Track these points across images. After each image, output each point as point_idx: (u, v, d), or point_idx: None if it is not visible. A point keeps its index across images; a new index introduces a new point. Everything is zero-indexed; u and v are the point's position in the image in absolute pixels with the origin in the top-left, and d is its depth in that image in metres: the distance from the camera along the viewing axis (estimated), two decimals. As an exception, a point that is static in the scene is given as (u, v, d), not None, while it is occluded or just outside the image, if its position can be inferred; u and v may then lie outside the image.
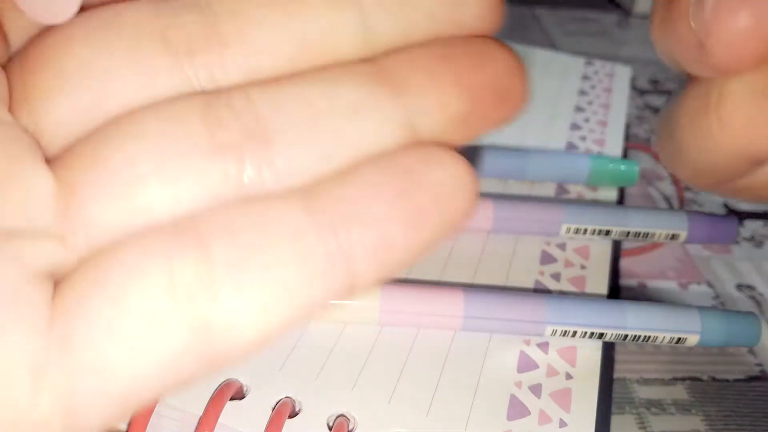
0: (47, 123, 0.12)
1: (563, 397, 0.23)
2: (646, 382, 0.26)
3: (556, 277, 0.28)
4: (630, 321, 0.24)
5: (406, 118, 0.13)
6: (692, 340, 0.24)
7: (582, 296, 0.27)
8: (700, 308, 0.25)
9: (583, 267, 0.29)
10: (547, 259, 0.29)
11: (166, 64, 0.13)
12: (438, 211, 0.13)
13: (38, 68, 0.12)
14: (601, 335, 0.24)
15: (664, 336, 0.24)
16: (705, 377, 0.26)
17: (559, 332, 0.24)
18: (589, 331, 0.24)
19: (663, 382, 0.26)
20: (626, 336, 0.24)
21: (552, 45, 0.48)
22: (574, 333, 0.24)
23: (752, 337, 0.24)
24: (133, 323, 0.11)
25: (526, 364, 0.24)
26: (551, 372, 0.24)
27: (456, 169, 0.13)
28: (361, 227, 0.12)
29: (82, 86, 0.12)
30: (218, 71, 0.13)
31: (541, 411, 0.23)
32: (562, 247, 0.30)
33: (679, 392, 0.25)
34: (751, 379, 0.26)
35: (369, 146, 0.13)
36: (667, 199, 0.36)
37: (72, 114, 0.12)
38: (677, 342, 0.24)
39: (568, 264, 0.29)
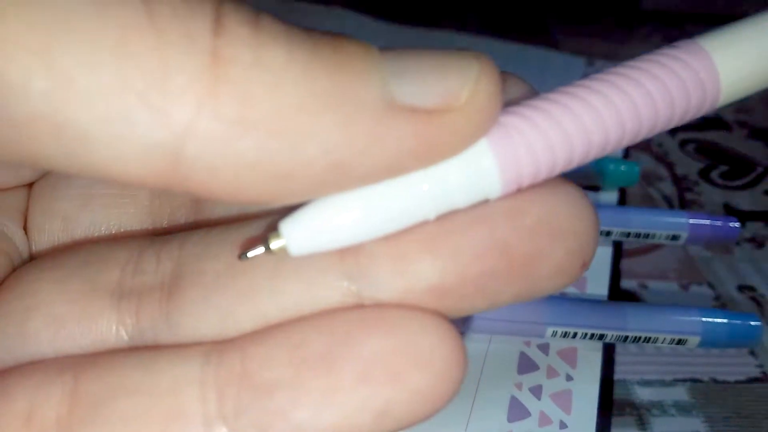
0: None
1: (564, 399, 0.23)
2: (647, 383, 0.26)
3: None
4: (630, 322, 0.24)
5: (357, 282, 0.11)
6: (693, 341, 0.24)
7: (582, 297, 0.27)
8: (701, 309, 0.25)
9: (583, 268, 0.29)
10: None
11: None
12: (376, 389, 0.10)
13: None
14: (601, 336, 0.24)
15: (664, 337, 0.24)
16: (706, 378, 0.26)
17: (559, 333, 0.24)
18: (589, 332, 0.24)
19: (664, 384, 0.26)
20: (627, 337, 0.24)
21: (553, 45, 0.48)
22: (575, 334, 0.24)
23: (753, 338, 0.24)
24: None
25: (526, 366, 0.24)
26: (552, 373, 0.24)
27: (418, 339, 0.10)
28: (254, 391, 0.11)
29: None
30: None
31: (541, 412, 0.23)
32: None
33: (680, 394, 0.25)
34: (752, 380, 0.26)
35: (301, 310, 0.11)
36: (667, 200, 0.36)
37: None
38: (678, 343, 0.24)
39: None
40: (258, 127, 0.09)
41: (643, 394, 0.25)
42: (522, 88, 0.11)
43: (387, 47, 0.10)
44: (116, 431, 0.11)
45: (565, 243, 0.11)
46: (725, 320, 0.24)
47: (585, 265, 0.11)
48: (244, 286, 0.11)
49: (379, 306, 0.11)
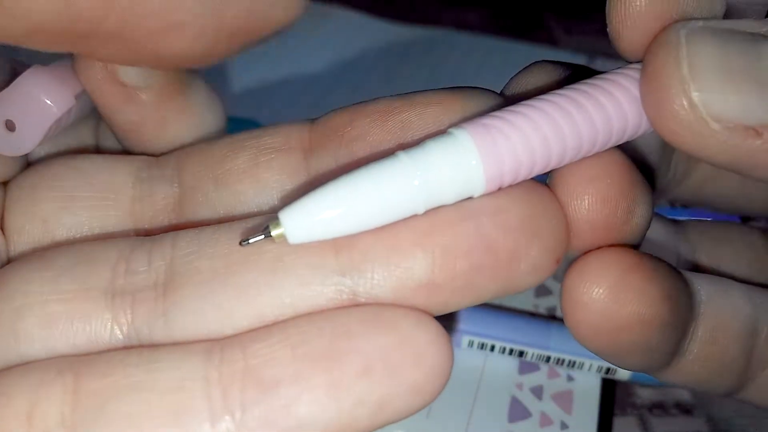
0: None
1: (565, 399, 0.23)
2: (648, 383, 0.25)
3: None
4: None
5: (351, 278, 0.11)
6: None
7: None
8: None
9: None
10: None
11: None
12: (376, 383, 0.11)
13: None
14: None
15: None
16: (707, 378, 0.26)
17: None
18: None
19: (665, 384, 0.25)
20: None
21: (554, 43, 0.47)
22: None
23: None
24: None
25: (527, 366, 0.24)
26: (553, 374, 0.24)
27: (414, 337, 0.11)
28: (258, 388, 0.11)
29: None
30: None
31: (542, 413, 0.23)
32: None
33: (682, 394, 0.25)
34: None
35: (297, 306, 0.12)
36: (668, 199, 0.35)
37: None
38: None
39: None
40: None
41: (645, 395, 0.25)
42: (492, 101, 0.12)
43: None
44: (124, 428, 0.11)
45: (541, 241, 0.12)
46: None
47: (558, 261, 0.12)
48: (240, 283, 0.12)
49: (375, 305, 0.11)
